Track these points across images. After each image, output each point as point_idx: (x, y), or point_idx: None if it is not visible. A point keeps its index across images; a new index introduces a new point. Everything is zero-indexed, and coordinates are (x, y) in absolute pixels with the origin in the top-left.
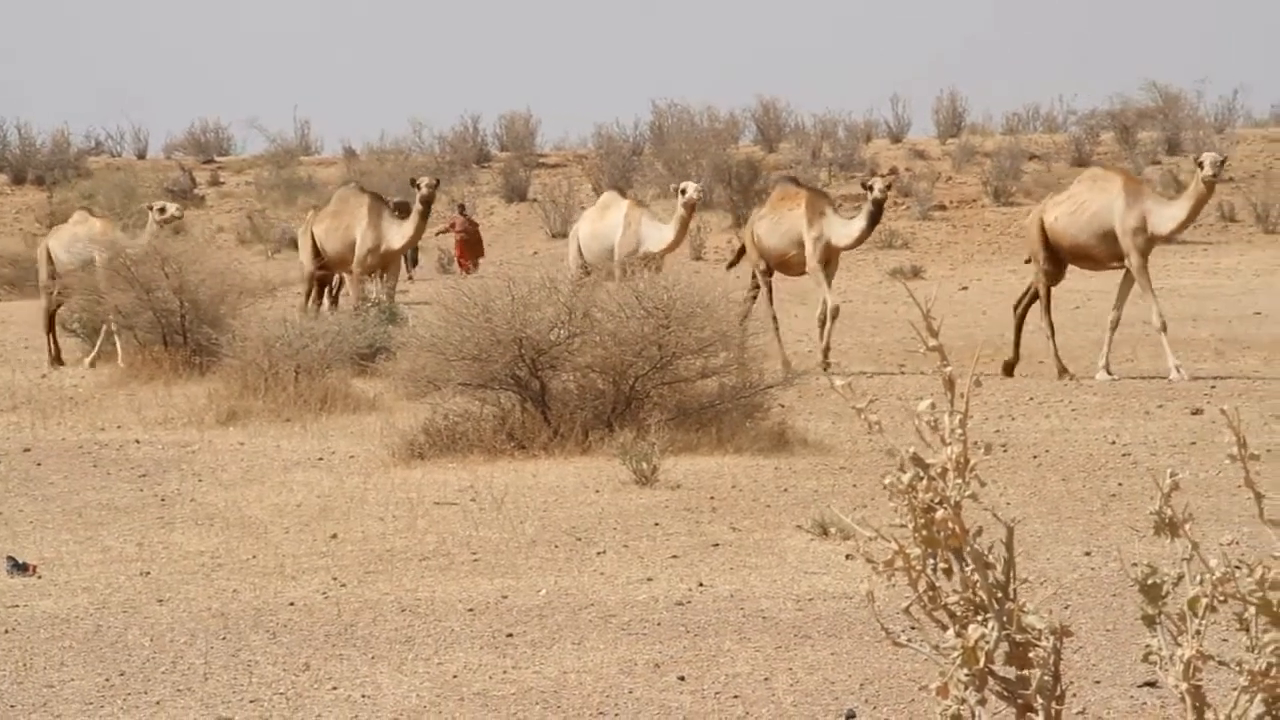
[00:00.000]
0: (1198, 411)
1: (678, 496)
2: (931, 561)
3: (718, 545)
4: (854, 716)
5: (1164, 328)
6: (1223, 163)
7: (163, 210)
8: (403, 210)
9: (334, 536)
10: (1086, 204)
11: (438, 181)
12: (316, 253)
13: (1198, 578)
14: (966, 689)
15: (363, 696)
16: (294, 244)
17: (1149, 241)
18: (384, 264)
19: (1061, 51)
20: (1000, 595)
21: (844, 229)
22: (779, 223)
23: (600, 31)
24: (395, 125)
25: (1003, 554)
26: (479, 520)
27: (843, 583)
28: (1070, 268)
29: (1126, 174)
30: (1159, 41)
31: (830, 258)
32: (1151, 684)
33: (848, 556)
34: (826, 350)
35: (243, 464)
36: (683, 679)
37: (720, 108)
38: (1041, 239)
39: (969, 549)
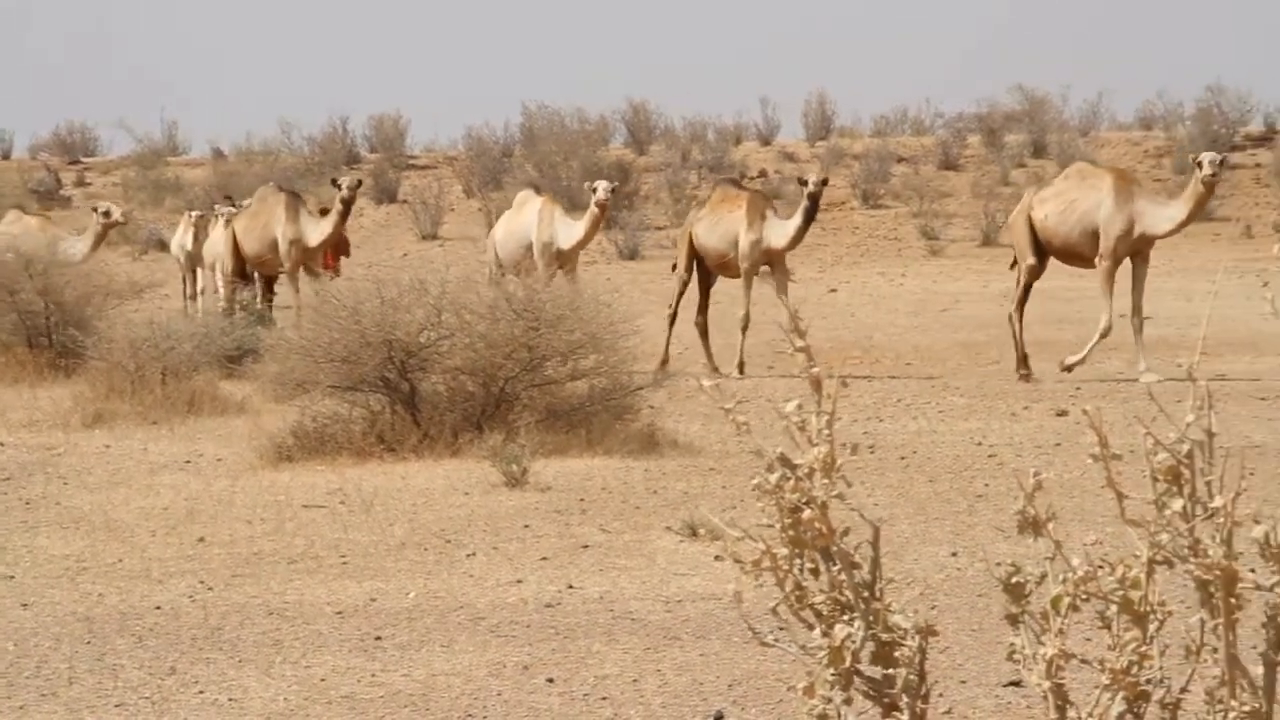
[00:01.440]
0: (1063, 413)
1: (547, 499)
2: (799, 561)
3: (587, 547)
4: (722, 717)
5: (1107, 332)
6: (1221, 162)
7: (107, 214)
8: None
9: (201, 540)
10: (1076, 202)
11: (359, 182)
12: (236, 253)
13: (1061, 577)
14: (833, 688)
15: (229, 700)
16: (163, 245)
17: (1141, 241)
18: (304, 261)
19: (929, 55)
20: (866, 595)
21: (781, 230)
22: (718, 224)
23: (470, 33)
24: (263, 126)
25: (869, 554)
26: (347, 523)
27: (712, 584)
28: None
29: (1118, 172)
30: (1025, 45)
31: (772, 261)
32: (1016, 683)
33: (717, 558)
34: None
35: (109, 467)
36: (551, 681)
37: (590, 110)
38: (1029, 236)
39: (836, 549)
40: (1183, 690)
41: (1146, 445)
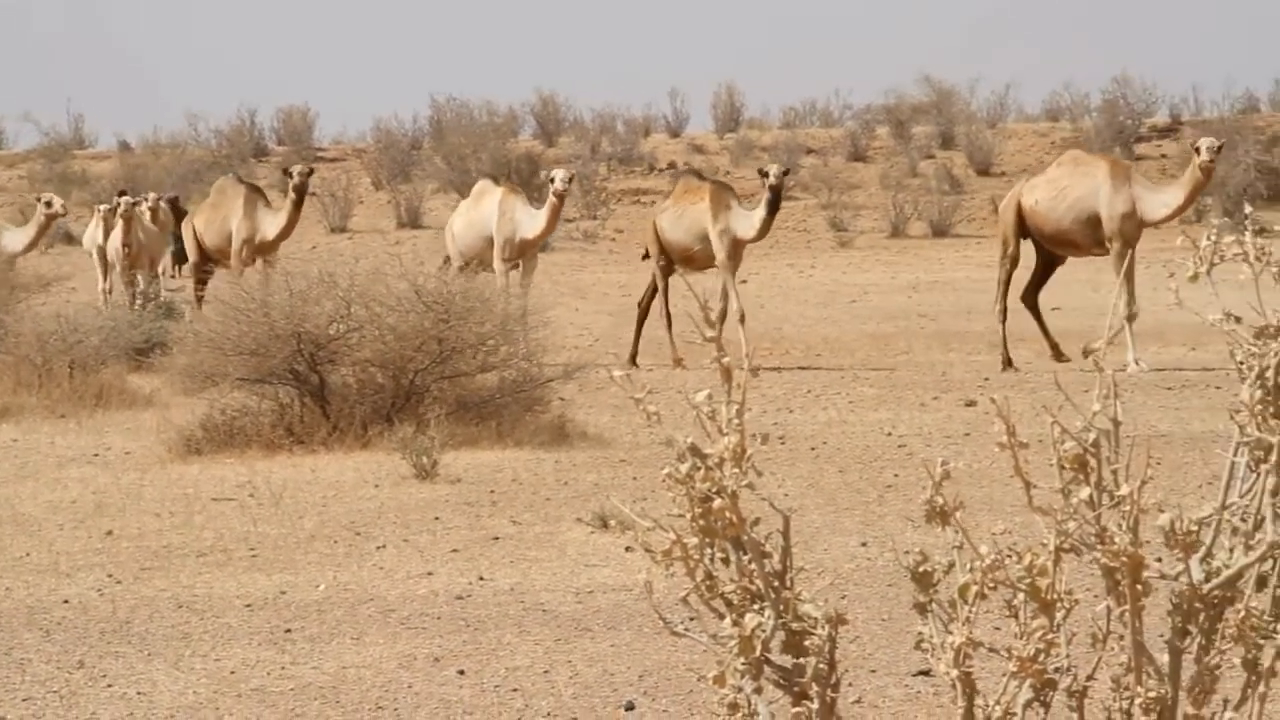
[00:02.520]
0: (971, 403)
1: (458, 490)
2: (709, 551)
3: (498, 539)
4: (633, 707)
5: (1132, 318)
6: (1219, 148)
7: (49, 204)
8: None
9: (109, 533)
10: (1069, 189)
11: (311, 170)
12: (198, 245)
13: (968, 565)
14: (743, 677)
15: (138, 694)
16: (69, 239)
17: (1138, 228)
18: (261, 253)
19: (837, 46)
20: (777, 584)
21: (746, 221)
22: (682, 216)
23: (378, 24)
24: (170, 119)
25: (780, 543)
26: (257, 516)
27: (623, 575)
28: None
29: (1112, 159)
30: (932, 36)
31: (735, 252)
32: (926, 673)
33: (627, 549)
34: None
35: (16, 460)
36: (462, 673)
37: (499, 102)
38: (1017, 223)
39: (746, 538)
40: (1089, 678)
41: (1053, 434)
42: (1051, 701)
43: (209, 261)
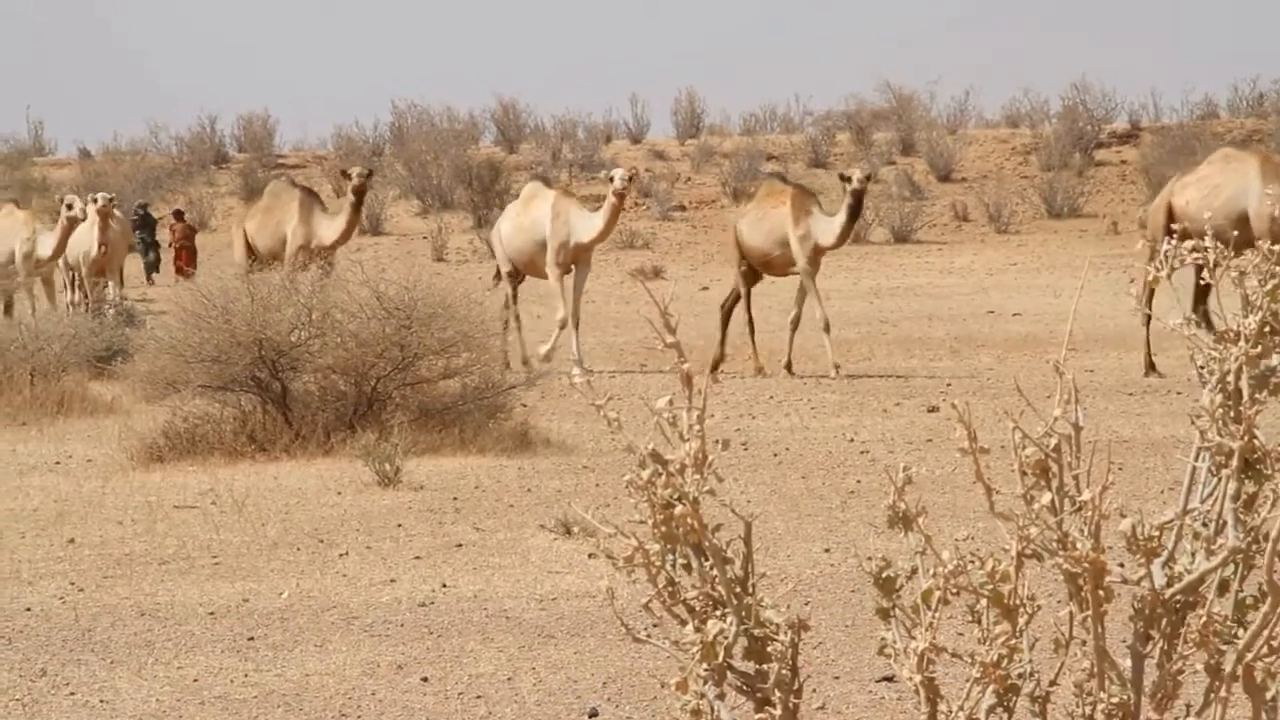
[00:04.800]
0: (934, 409)
1: (421, 497)
2: (671, 557)
3: (461, 546)
4: (597, 714)
5: None
6: None
7: (70, 207)
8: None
9: (71, 541)
10: (1220, 187)
11: (370, 171)
12: (249, 249)
13: (931, 571)
14: (706, 684)
15: (101, 702)
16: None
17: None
18: (317, 259)
19: (797, 52)
20: (739, 590)
21: (827, 227)
22: (762, 220)
23: (339, 32)
24: (130, 126)
25: (741, 549)
26: (220, 523)
27: (586, 582)
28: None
29: (1264, 154)
30: (892, 42)
31: (815, 258)
32: (889, 679)
33: (590, 555)
34: (831, 360)
35: None
36: (426, 680)
37: (460, 108)
38: (1166, 223)
39: (708, 544)
40: (1052, 683)
41: (1015, 439)
42: (1015, 707)
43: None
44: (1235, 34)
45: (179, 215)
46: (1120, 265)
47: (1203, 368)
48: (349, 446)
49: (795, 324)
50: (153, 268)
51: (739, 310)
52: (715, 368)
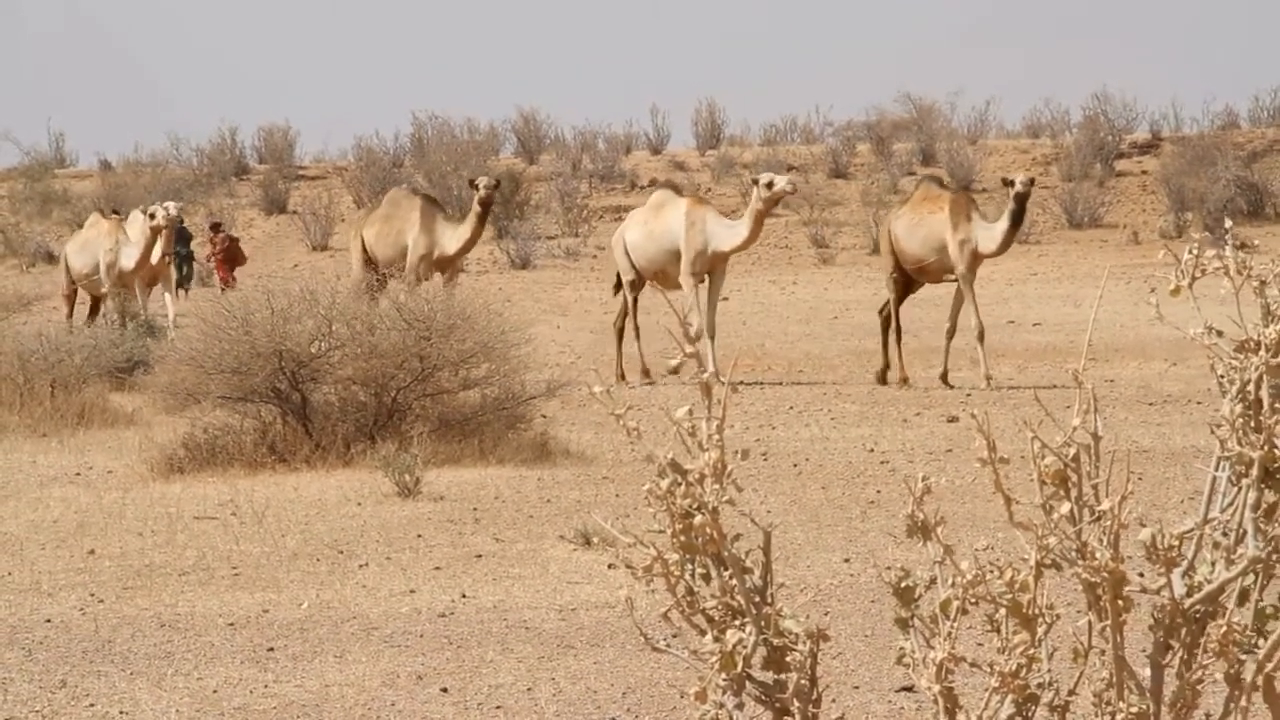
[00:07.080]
0: (954, 419)
1: (440, 508)
2: (690, 567)
3: (481, 556)
4: None
5: None
6: None
7: (152, 216)
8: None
9: (91, 552)
10: None
11: (498, 182)
12: (366, 258)
13: (950, 581)
14: (724, 693)
15: (121, 713)
16: (50, 257)
17: None
18: (439, 269)
19: (818, 63)
20: (758, 600)
21: (988, 233)
22: (919, 225)
23: (359, 43)
24: (151, 138)
25: (760, 559)
26: (239, 534)
27: (605, 592)
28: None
29: None
30: (912, 53)
31: (974, 265)
32: (908, 689)
33: (610, 565)
34: (985, 374)
35: None
36: (446, 690)
37: (480, 119)
38: None
39: (727, 554)
40: (1071, 693)
41: (1034, 449)
42: (1033, 716)
43: (378, 276)
44: (1256, 44)
45: (216, 227)
46: (1141, 275)
47: (1223, 377)
48: (369, 457)
49: (950, 333)
50: (185, 281)
51: (893, 312)
52: (883, 378)
